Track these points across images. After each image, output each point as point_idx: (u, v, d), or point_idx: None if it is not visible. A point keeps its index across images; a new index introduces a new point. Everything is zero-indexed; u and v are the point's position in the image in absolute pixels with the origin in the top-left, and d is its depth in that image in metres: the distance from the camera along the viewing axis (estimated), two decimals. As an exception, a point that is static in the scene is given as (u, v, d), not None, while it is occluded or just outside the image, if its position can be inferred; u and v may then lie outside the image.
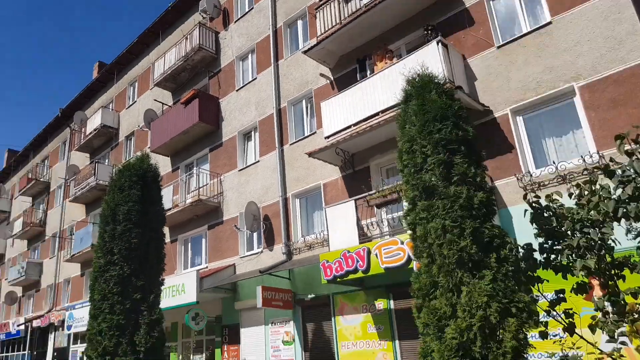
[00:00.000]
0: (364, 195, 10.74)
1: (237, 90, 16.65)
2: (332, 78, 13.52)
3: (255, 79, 16.04)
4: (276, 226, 13.87)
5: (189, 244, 17.27)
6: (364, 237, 10.61)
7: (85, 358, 10.32)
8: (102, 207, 11.29)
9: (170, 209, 15.96)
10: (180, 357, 15.80)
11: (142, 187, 11.02)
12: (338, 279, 10.40)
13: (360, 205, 10.78)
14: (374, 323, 10.93)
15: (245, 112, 16.06)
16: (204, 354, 15.14)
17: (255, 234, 14.70)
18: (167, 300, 11.46)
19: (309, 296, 12.41)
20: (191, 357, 15.57)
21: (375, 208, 11.03)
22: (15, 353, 27.95)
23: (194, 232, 16.90)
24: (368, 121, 11.16)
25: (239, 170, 15.70)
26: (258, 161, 15.14)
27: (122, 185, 10.99)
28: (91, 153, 24.66)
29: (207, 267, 15.70)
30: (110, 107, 23.86)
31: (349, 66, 13.10)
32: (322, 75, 13.72)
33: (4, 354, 29.46)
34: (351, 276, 10.14)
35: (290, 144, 14.26)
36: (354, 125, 11.45)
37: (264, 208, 14.37)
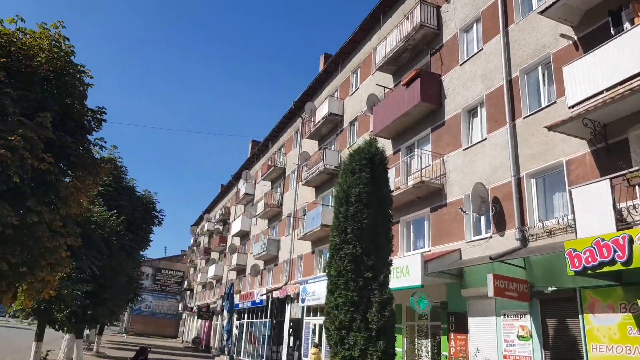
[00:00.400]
0: (622, 173, 9.00)
1: (460, 65, 15.76)
2: (575, 38, 11.67)
3: (481, 50, 14.92)
4: (507, 209, 12.72)
5: (411, 226, 17.16)
6: (622, 222, 8.92)
7: (320, 329, 11.00)
8: (336, 189, 11.96)
9: (392, 192, 16.04)
10: (406, 339, 15.80)
11: (371, 169, 11.38)
12: (589, 271, 8.92)
13: (616, 185, 9.07)
14: (636, 325, 9.13)
15: (470, 87, 15.09)
16: (429, 340, 14.86)
17: (482, 218, 13.75)
18: (391, 282, 11.55)
19: (550, 288, 11.05)
20: (416, 341, 15.45)
21: (637, 188, 9.19)
22: (259, 320, 31.80)
23: (416, 215, 16.69)
24: (627, 83, 9.28)
25: (464, 150, 14.87)
26: (485, 139, 14.08)
27: (353, 169, 11.51)
28: (319, 140, 26.47)
29: (430, 251, 15.35)
30: (336, 96, 25.17)
31: (598, 21, 11.10)
32: (562, 36, 11.95)
33: (250, 320, 33.99)
34: (606, 268, 8.59)
35: (524, 118, 12.86)
36: (607, 90, 9.67)
37: (493, 189, 13.31)
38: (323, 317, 21.28)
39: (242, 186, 39.98)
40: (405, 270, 14.36)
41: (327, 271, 11.63)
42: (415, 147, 17.54)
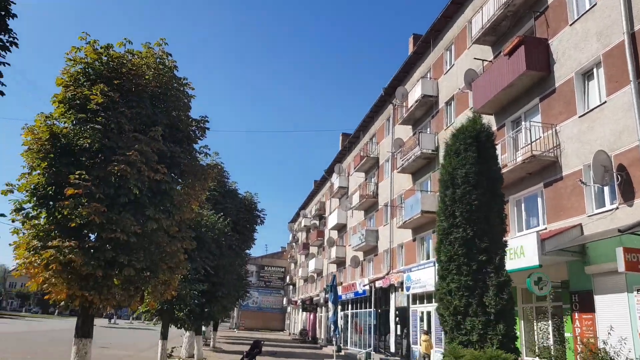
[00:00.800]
0: None
1: (570, 25, 14.47)
2: None
3: (595, 5, 13.59)
4: (636, 176, 11.58)
5: (522, 204, 16.21)
6: None
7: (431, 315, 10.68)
8: (440, 172, 11.55)
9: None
10: (523, 322, 15.04)
11: (477, 148, 10.83)
12: None
13: None
14: None
15: (583, 47, 13.83)
16: (550, 322, 14.00)
17: (606, 189, 12.64)
18: (503, 264, 11.01)
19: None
20: (535, 324, 14.64)
21: None
22: (363, 310, 31.96)
23: (527, 192, 15.73)
24: None
25: (579, 117, 13.69)
26: (604, 102, 12.86)
27: (458, 149, 11.03)
28: (413, 124, 25.80)
29: (545, 229, 14.42)
30: (428, 76, 24.37)
31: None
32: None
33: (355, 310, 34.22)
34: None
35: (651, 73, 11.55)
36: None
37: (617, 156, 12.16)
38: (430, 304, 21.02)
39: (335, 180, 40.27)
40: (520, 250, 13.73)
41: (436, 257, 11.29)
42: (522, 120, 16.48)
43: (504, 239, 10.91)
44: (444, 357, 10.14)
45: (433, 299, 20.98)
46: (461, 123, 11.59)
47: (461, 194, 10.66)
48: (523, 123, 16.18)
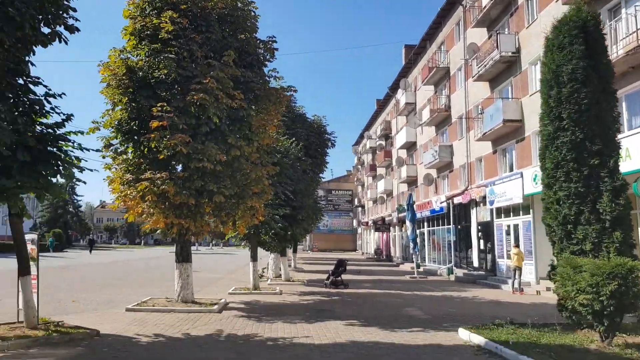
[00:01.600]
0: None
1: None
2: None
3: None
4: None
5: (623, 102, 14.69)
6: None
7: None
8: (540, 70, 10.43)
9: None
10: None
11: (585, 40, 9.60)
12: None
13: None
14: None
15: None
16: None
17: None
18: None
19: None
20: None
21: None
22: (441, 227, 31.55)
23: (630, 89, 14.22)
24: None
25: (702, -7, 11.83)
26: None
27: (561, 43, 9.81)
28: (488, 26, 23.74)
29: (652, 126, 13.05)
30: (505, -33, 21.97)
31: None
32: None
33: (431, 228, 33.95)
34: None
35: None
36: None
37: None
38: (517, 217, 20.25)
39: (401, 96, 38.80)
40: (625, 153, 12.61)
41: (540, 164, 10.46)
42: (621, 6, 14.58)
43: (617, 139, 9.90)
44: (556, 267, 9.57)
45: (521, 212, 20.22)
46: (563, 13, 10.26)
47: (568, 93, 9.60)
48: (623, 10, 14.28)
